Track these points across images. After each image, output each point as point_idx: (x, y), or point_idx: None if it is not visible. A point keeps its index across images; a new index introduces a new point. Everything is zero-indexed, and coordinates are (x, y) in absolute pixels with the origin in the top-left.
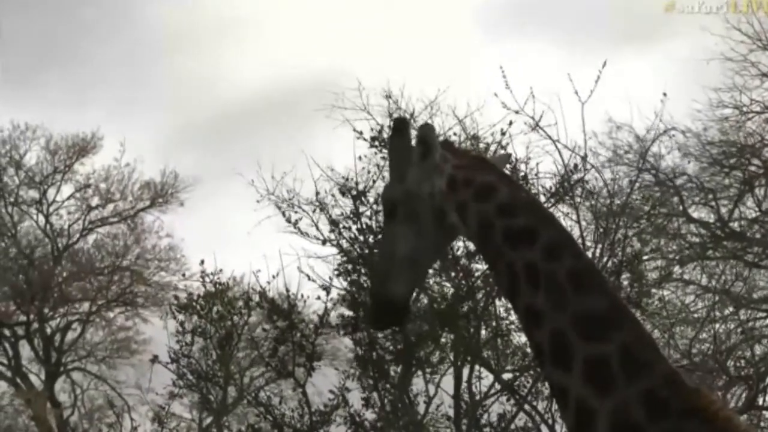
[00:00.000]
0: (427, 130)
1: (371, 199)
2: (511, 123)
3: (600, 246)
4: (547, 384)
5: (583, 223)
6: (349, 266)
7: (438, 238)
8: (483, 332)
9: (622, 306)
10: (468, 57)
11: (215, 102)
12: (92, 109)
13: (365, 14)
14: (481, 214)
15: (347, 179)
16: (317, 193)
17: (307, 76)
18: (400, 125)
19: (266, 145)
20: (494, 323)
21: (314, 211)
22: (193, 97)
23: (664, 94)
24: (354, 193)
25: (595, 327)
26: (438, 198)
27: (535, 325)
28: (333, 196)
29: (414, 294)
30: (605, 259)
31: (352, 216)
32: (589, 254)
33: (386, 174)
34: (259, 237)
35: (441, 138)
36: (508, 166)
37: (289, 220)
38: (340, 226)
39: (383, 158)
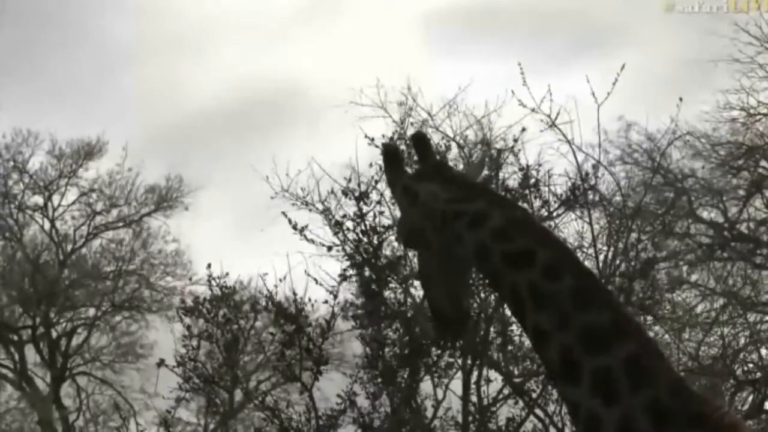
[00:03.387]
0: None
1: (374, 200)
2: (523, 129)
3: (612, 249)
4: (557, 392)
5: (596, 227)
6: (354, 271)
7: (458, 268)
8: (492, 335)
9: (626, 317)
10: (422, 65)
11: (183, 109)
12: (61, 117)
13: (318, 23)
14: (477, 242)
15: (349, 180)
16: (328, 194)
17: (272, 83)
18: (387, 153)
19: (238, 152)
20: (503, 327)
21: (323, 212)
22: (159, 105)
23: (680, 99)
24: (357, 194)
25: (600, 341)
26: (441, 237)
27: (544, 344)
28: (335, 195)
29: (465, 301)
30: (618, 263)
31: (354, 218)
32: (602, 258)
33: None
34: (267, 239)
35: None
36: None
37: (295, 227)
38: (344, 227)
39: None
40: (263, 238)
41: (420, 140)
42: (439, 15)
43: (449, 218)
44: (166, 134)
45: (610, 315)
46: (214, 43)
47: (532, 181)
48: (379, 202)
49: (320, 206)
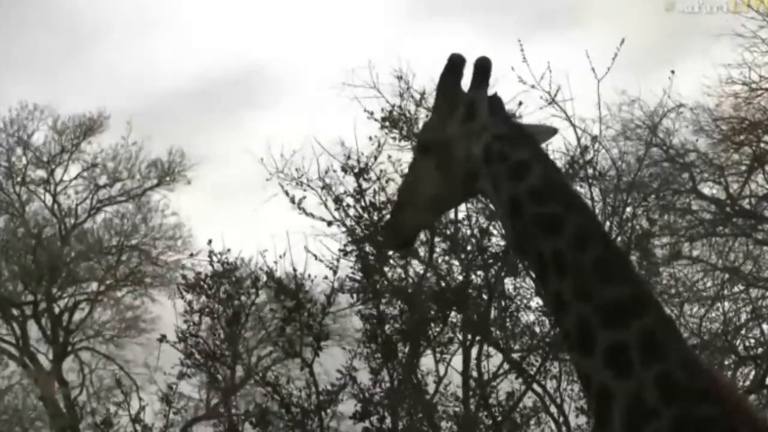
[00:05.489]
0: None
1: (373, 176)
2: (520, 104)
3: (608, 224)
4: (556, 364)
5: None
6: (354, 247)
7: (458, 194)
8: (492, 311)
9: (645, 292)
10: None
11: (161, 86)
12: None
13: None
14: (512, 195)
15: (349, 157)
16: (326, 171)
17: (233, 63)
18: (455, 62)
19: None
20: (504, 302)
21: (323, 188)
22: (143, 81)
23: (672, 72)
24: (356, 170)
25: (617, 314)
26: (471, 163)
27: (562, 313)
28: (335, 172)
29: (423, 225)
30: (614, 237)
31: (354, 194)
32: None
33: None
34: (266, 216)
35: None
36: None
37: (293, 201)
38: (344, 203)
39: (393, 138)
40: (261, 215)
41: (484, 68)
42: None
43: (495, 156)
44: (152, 110)
45: (629, 289)
46: (195, 21)
47: None
48: (378, 179)
49: (319, 183)
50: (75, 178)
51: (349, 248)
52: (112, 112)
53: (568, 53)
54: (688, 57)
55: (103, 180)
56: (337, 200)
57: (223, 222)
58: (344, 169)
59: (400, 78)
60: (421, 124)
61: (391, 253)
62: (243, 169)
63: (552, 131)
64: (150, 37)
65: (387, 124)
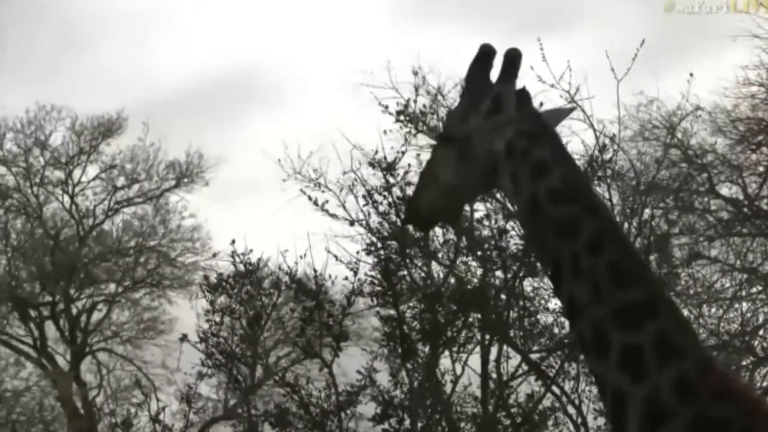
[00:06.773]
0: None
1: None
2: (540, 104)
3: (627, 225)
4: (574, 365)
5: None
6: (378, 244)
7: (476, 186)
8: (511, 312)
9: (660, 294)
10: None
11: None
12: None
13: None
14: (532, 194)
15: (376, 152)
16: (355, 170)
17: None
18: (485, 53)
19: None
20: (522, 303)
21: (341, 190)
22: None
23: (691, 74)
24: (383, 165)
25: (632, 317)
26: (493, 158)
27: (577, 315)
28: (355, 172)
29: (439, 211)
30: (633, 239)
31: (382, 190)
32: None
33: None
34: (284, 217)
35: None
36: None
37: (316, 203)
38: (373, 199)
39: (409, 133)
40: (279, 216)
41: (513, 60)
42: None
43: (517, 153)
44: (159, 110)
45: (644, 293)
46: (201, 22)
47: None
48: (406, 173)
49: (336, 184)
50: (93, 179)
51: (372, 247)
52: (120, 113)
53: (568, 53)
54: (691, 58)
55: (121, 181)
56: (368, 194)
57: (239, 222)
58: (372, 164)
59: (416, 74)
60: (432, 120)
61: (410, 250)
62: (257, 169)
63: (569, 110)
64: (155, 38)
65: (402, 118)
